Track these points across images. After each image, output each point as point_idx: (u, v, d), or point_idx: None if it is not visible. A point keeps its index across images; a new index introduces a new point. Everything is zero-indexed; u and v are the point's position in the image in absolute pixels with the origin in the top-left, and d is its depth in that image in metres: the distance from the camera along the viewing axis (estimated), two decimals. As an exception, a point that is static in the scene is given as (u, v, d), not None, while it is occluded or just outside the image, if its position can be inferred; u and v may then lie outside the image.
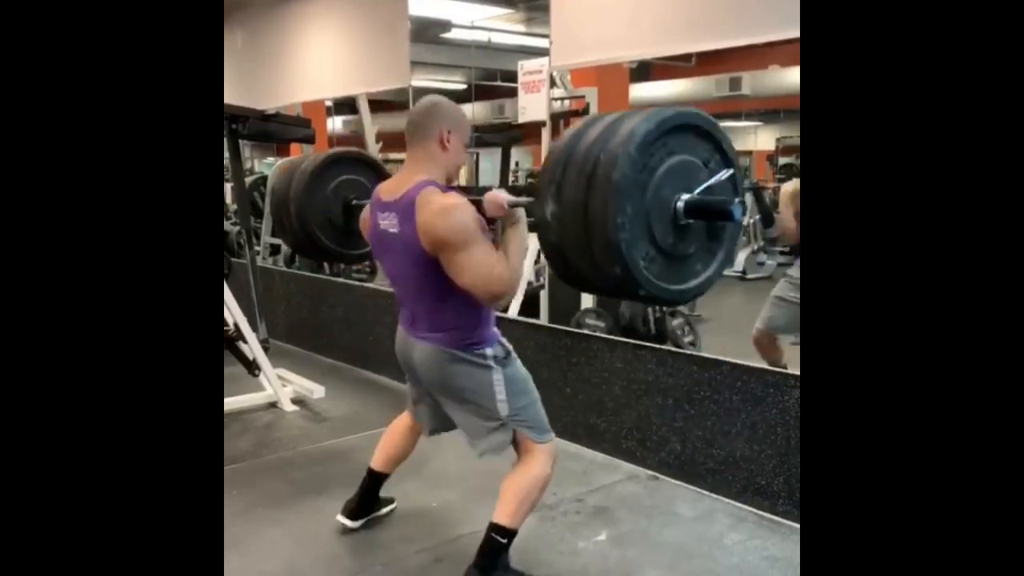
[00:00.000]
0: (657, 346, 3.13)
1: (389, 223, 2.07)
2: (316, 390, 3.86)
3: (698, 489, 2.82)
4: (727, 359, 2.79)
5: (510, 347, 2.18)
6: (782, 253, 8.11)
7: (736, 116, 11.26)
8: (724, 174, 1.76)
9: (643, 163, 1.65)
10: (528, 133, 4.35)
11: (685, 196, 1.72)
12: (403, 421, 2.48)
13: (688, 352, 3.01)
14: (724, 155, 1.81)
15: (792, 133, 10.58)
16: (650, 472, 2.97)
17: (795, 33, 2.65)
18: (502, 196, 2.05)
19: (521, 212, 2.05)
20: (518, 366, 2.18)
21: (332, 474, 2.97)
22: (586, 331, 3.72)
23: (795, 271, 3.46)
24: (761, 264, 8.17)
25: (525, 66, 3.52)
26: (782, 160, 10.30)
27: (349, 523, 2.50)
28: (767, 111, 10.36)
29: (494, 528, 2.16)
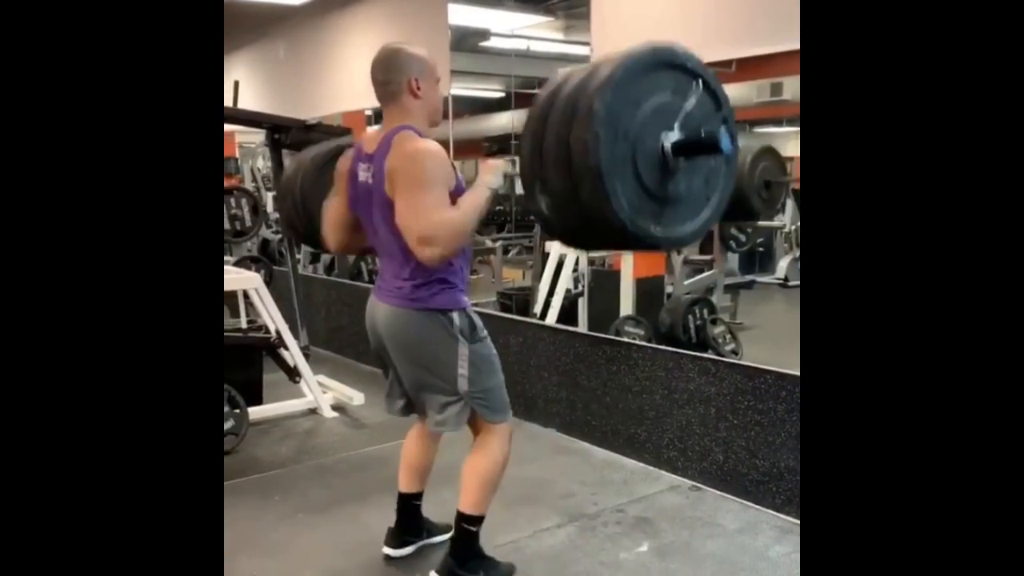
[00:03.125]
0: (699, 354, 3.08)
1: (367, 175, 2.02)
2: (356, 397, 3.88)
3: (741, 500, 2.76)
4: (771, 368, 2.73)
5: (479, 323, 2.10)
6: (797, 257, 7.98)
7: (777, 122, 11.10)
8: (696, 92, 1.54)
9: (617, 135, 1.46)
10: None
11: (672, 136, 1.53)
12: (414, 431, 2.38)
13: (731, 360, 2.96)
14: (709, 89, 1.59)
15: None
16: (692, 482, 2.92)
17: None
18: (498, 163, 2.02)
19: (491, 180, 1.99)
20: (487, 345, 2.11)
21: (372, 481, 2.98)
22: (626, 339, 3.69)
23: None
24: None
25: (561, 73, 3.51)
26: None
27: (393, 552, 2.38)
28: (809, 116, 10.24)
29: (461, 518, 2.14)
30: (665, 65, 1.55)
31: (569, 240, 1.71)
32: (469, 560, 2.19)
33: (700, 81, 1.56)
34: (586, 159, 1.45)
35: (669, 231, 1.57)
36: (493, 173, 2.02)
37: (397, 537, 2.40)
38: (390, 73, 2.00)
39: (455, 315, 2.04)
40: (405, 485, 2.38)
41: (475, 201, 1.96)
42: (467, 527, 2.15)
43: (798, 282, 7.85)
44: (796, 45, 3.05)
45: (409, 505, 2.40)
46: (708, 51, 3.22)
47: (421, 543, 2.42)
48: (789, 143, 12.25)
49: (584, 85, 1.50)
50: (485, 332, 2.12)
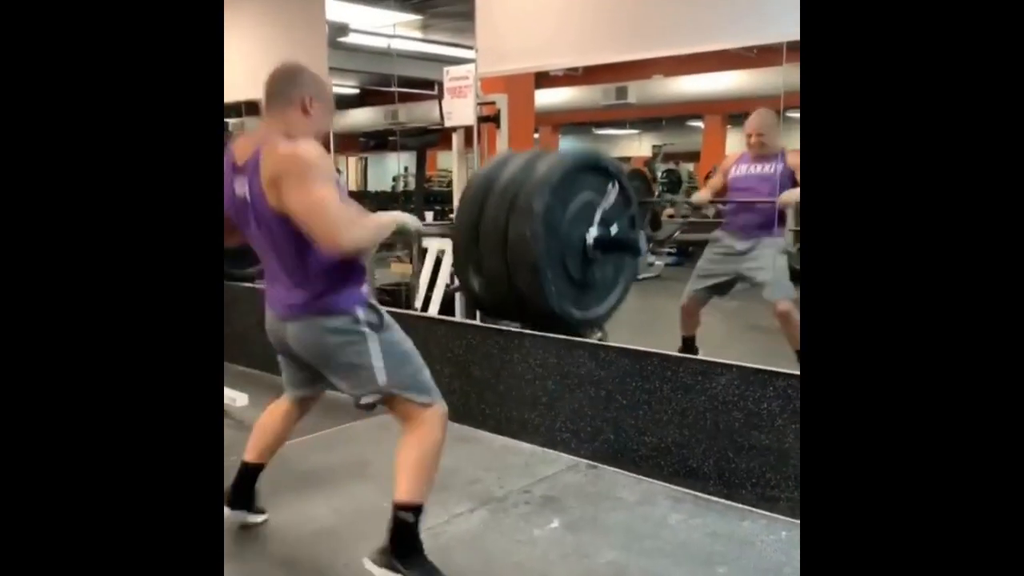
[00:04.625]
0: (590, 341, 3.27)
1: (243, 190, 1.98)
2: (238, 398, 3.77)
3: (634, 475, 2.98)
4: (657, 351, 2.96)
5: (383, 311, 2.11)
6: (670, 254, 8.54)
7: (621, 124, 11.74)
8: (612, 192, 1.77)
9: (551, 230, 1.63)
10: (443, 137, 4.43)
11: (595, 232, 1.73)
12: (281, 405, 2.40)
13: (620, 345, 3.16)
14: (623, 189, 1.82)
15: (672, 140, 11.14)
16: (588, 461, 3.10)
17: (713, 45, 2.91)
18: (416, 223, 2.11)
19: (406, 222, 2.09)
20: (396, 332, 2.12)
21: (272, 481, 2.92)
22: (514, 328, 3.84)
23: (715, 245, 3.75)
24: (650, 265, 8.55)
25: (451, 72, 3.60)
26: (661, 167, 10.79)
27: (228, 512, 2.40)
28: (650, 119, 10.86)
29: (400, 507, 2.08)
30: (591, 168, 1.74)
31: (496, 315, 1.86)
32: (409, 554, 2.09)
33: (616, 182, 1.76)
34: (524, 253, 1.60)
35: (586, 313, 1.77)
36: (410, 222, 2.12)
37: (231, 500, 2.42)
38: (285, 85, 2.00)
39: (359, 310, 2.05)
40: (254, 456, 2.41)
41: (383, 222, 2.06)
42: (404, 516, 2.08)
43: (646, 275, 8.36)
44: (669, 51, 3.27)
45: (249, 478, 2.43)
46: (591, 55, 3.44)
47: (248, 517, 2.47)
48: (632, 144, 12.93)
49: (521, 180, 1.65)
50: (391, 319, 2.13)
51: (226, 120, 4.73)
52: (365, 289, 2.11)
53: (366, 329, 2.04)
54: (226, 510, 2.42)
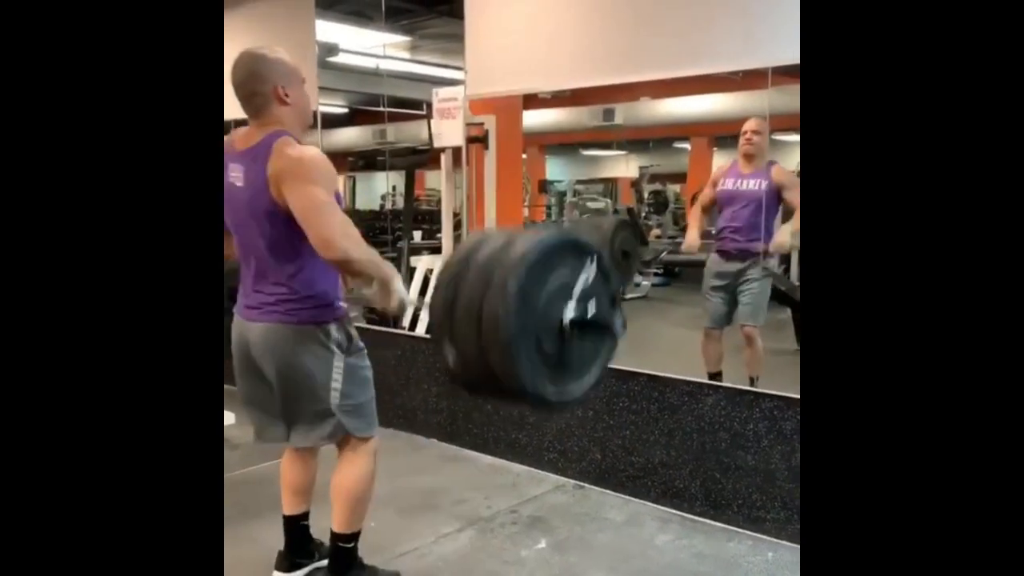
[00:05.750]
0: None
1: (236, 176, 1.94)
2: (226, 417, 3.74)
3: (621, 495, 2.98)
4: (644, 371, 2.98)
5: (355, 334, 2.09)
6: (656, 274, 8.58)
7: (608, 146, 11.80)
8: (591, 270, 1.79)
9: (526, 308, 1.66)
10: (432, 157, 4.45)
11: (571, 310, 1.76)
12: (290, 451, 2.32)
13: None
14: (602, 269, 1.84)
15: (658, 162, 11.21)
16: (575, 481, 3.10)
17: (700, 70, 2.95)
18: (403, 295, 1.99)
19: (394, 283, 1.94)
20: (363, 358, 2.10)
21: (262, 500, 2.90)
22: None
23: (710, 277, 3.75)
24: (637, 285, 8.59)
25: (441, 93, 3.62)
26: (648, 188, 10.85)
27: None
28: (636, 141, 10.93)
29: (336, 537, 2.15)
30: (568, 247, 1.77)
31: (470, 390, 1.87)
32: (348, 571, 2.20)
33: (594, 259, 1.79)
34: (497, 331, 1.62)
35: (561, 392, 1.77)
36: (401, 291, 1.97)
37: (287, 560, 2.35)
38: (254, 84, 1.93)
39: (332, 327, 2.02)
40: (289, 507, 2.34)
41: (380, 261, 1.93)
42: (342, 545, 2.16)
43: (633, 295, 8.42)
44: (656, 74, 3.30)
45: (296, 526, 2.35)
46: (576, 79, 3.47)
47: (313, 565, 2.36)
48: (619, 165, 13.01)
49: (499, 258, 1.68)
50: (362, 344, 2.11)
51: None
52: (341, 307, 2.08)
53: (334, 347, 2.02)
54: (285, 575, 2.33)
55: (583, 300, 1.72)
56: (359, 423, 2.09)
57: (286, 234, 1.91)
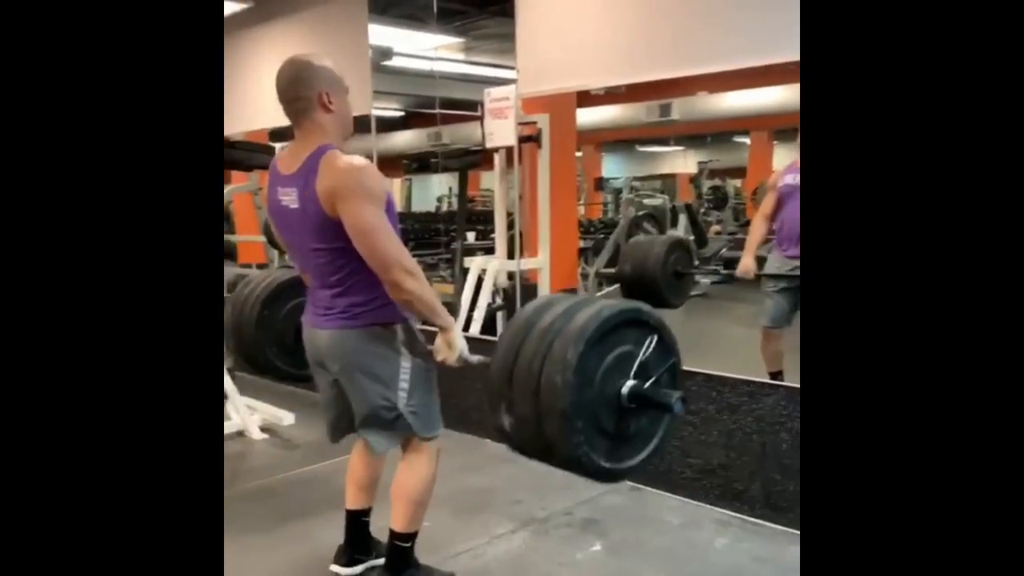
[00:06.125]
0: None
1: (289, 199, 1.97)
2: (285, 417, 3.82)
3: (679, 497, 2.92)
4: (702, 370, 2.91)
5: (421, 337, 2.10)
6: (715, 272, 8.42)
7: (665, 141, 11.65)
8: (652, 342, 1.75)
9: (584, 380, 1.64)
10: (485, 158, 4.45)
11: (630, 383, 1.70)
12: (359, 446, 2.34)
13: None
14: (663, 341, 1.80)
15: (717, 157, 11.03)
16: (631, 483, 3.06)
17: (752, 62, 2.87)
18: (463, 350, 2.00)
19: (453, 336, 1.98)
20: (429, 359, 2.10)
21: (316, 499, 2.95)
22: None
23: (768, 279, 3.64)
24: (696, 283, 8.45)
25: (492, 93, 3.62)
26: (707, 183, 10.68)
27: (342, 571, 2.37)
28: (694, 136, 10.77)
29: (393, 535, 2.18)
30: (630, 321, 1.74)
31: (524, 454, 1.86)
32: (404, 570, 2.22)
33: (656, 335, 1.76)
34: (555, 401, 1.62)
35: (616, 464, 1.75)
36: (459, 343, 2.00)
37: (346, 555, 2.38)
38: (299, 89, 1.95)
39: (398, 328, 2.04)
40: (351, 501, 2.37)
41: (441, 311, 1.96)
42: (399, 544, 2.19)
43: (692, 293, 8.29)
44: (712, 67, 3.22)
45: (357, 522, 2.38)
46: (627, 74, 3.43)
47: (371, 563, 2.39)
48: (676, 161, 12.85)
49: (560, 328, 1.68)
50: (429, 347, 2.11)
51: (273, 144, 4.83)
52: (405, 312, 2.08)
53: (401, 348, 2.05)
54: (343, 570, 2.37)
55: (641, 373, 1.71)
56: (424, 424, 2.11)
57: (343, 246, 1.94)
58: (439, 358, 2.03)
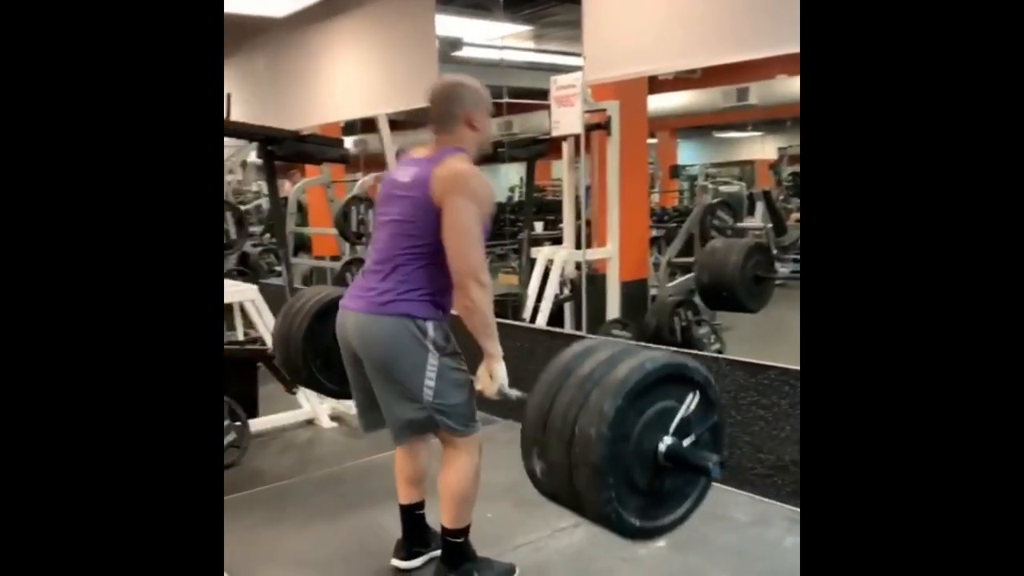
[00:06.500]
0: (702, 352, 3.15)
1: (404, 174, 2.09)
2: (353, 405, 3.87)
3: (749, 494, 2.83)
4: (774, 364, 2.81)
5: (454, 340, 2.13)
6: (795, 260, 8.16)
7: (743, 127, 11.35)
8: (694, 399, 1.67)
9: (620, 434, 1.58)
10: (554, 147, 4.41)
11: (668, 441, 1.63)
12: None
13: (733, 358, 3.03)
14: (707, 398, 1.71)
15: (797, 143, 10.69)
16: (699, 478, 2.98)
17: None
18: (504, 384, 2.03)
19: (498, 364, 2.03)
20: (459, 362, 2.12)
21: (383, 488, 2.96)
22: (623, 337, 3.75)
23: None
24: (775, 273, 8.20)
25: (558, 81, 3.57)
26: (787, 169, 10.35)
27: (402, 564, 2.39)
28: (773, 121, 10.45)
29: (445, 532, 2.21)
30: (674, 376, 1.65)
31: (553, 500, 1.80)
32: (461, 564, 2.22)
33: (699, 392, 1.67)
34: (588, 453, 1.56)
35: (647, 523, 1.68)
36: (502, 376, 2.04)
37: (404, 548, 2.40)
38: (451, 105, 2.09)
39: (429, 325, 2.05)
40: (403, 496, 2.39)
41: (489, 324, 2.02)
42: (452, 540, 2.20)
43: (780, 282, 8.07)
44: (788, 49, 3.08)
45: (412, 515, 2.40)
46: (698, 58, 3.33)
47: (430, 555, 2.40)
48: (755, 147, 12.51)
49: (600, 378, 1.61)
50: (460, 350, 2.14)
51: (344, 138, 4.90)
52: (443, 312, 2.11)
53: (430, 345, 2.06)
54: (402, 563, 2.39)
55: (681, 431, 1.63)
56: (454, 423, 2.12)
57: (421, 229, 2.02)
58: (477, 387, 2.07)
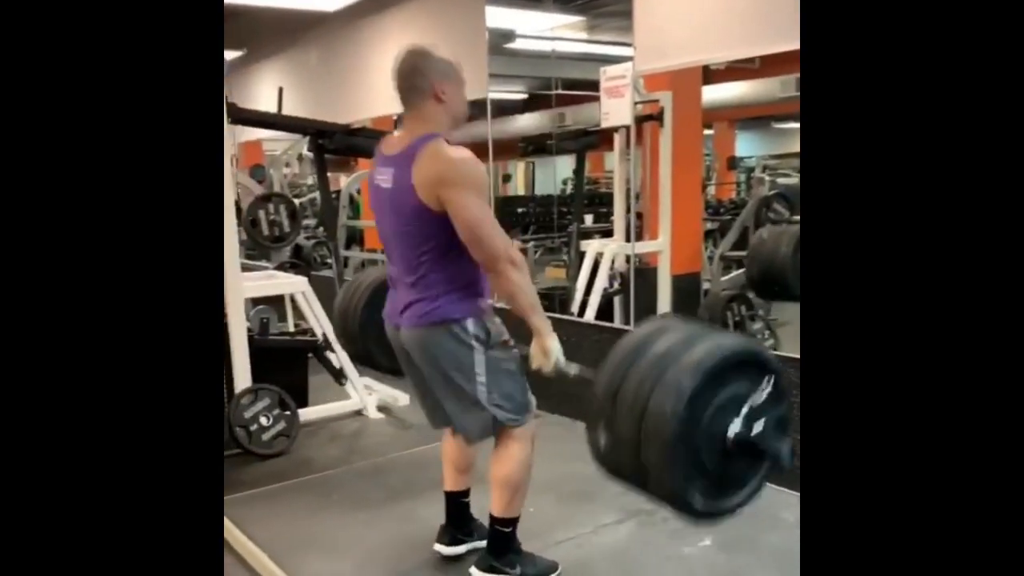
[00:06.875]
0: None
1: (383, 179, 2.00)
2: (400, 397, 3.91)
3: (797, 494, 2.76)
4: (826, 361, 2.73)
5: (498, 328, 2.07)
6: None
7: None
8: (766, 389, 1.63)
9: (693, 414, 1.56)
10: (606, 138, 4.36)
11: (738, 427, 1.62)
12: (450, 431, 2.35)
13: (784, 354, 2.95)
14: (778, 387, 1.67)
15: (859, 133, 10.40)
16: (747, 477, 2.92)
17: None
18: (558, 356, 1.98)
19: (551, 340, 1.97)
20: (505, 350, 2.07)
21: (426, 479, 2.99)
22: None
23: None
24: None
25: (608, 71, 3.52)
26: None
27: (445, 550, 2.40)
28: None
29: (494, 520, 2.19)
30: (748, 362, 1.63)
31: (613, 474, 1.78)
32: (506, 554, 2.21)
33: (771, 379, 1.64)
34: (660, 429, 1.54)
35: (709, 505, 1.66)
36: (556, 351, 1.99)
37: (448, 534, 2.41)
38: (413, 78, 1.98)
39: (469, 322, 2.01)
40: (449, 483, 2.40)
41: (533, 304, 1.96)
42: (500, 529, 2.19)
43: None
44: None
45: (457, 503, 2.41)
46: (750, 47, 3.24)
47: (472, 544, 2.40)
48: (813, 138, 12.13)
49: (676, 354, 1.60)
50: (506, 336, 2.08)
51: (395, 132, 4.93)
52: (483, 302, 2.07)
53: (473, 342, 2.02)
54: (445, 549, 2.40)
55: (751, 418, 1.61)
56: (509, 414, 2.10)
57: (425, 233, 1.96)
58: (534, 366, 2.00)
